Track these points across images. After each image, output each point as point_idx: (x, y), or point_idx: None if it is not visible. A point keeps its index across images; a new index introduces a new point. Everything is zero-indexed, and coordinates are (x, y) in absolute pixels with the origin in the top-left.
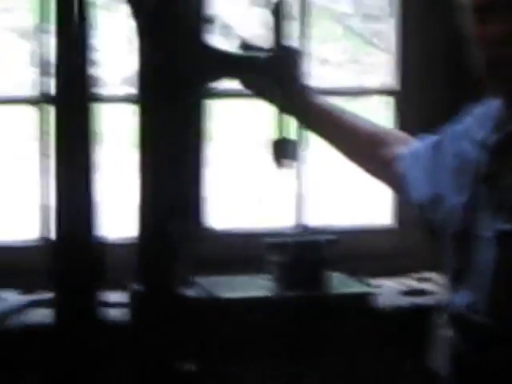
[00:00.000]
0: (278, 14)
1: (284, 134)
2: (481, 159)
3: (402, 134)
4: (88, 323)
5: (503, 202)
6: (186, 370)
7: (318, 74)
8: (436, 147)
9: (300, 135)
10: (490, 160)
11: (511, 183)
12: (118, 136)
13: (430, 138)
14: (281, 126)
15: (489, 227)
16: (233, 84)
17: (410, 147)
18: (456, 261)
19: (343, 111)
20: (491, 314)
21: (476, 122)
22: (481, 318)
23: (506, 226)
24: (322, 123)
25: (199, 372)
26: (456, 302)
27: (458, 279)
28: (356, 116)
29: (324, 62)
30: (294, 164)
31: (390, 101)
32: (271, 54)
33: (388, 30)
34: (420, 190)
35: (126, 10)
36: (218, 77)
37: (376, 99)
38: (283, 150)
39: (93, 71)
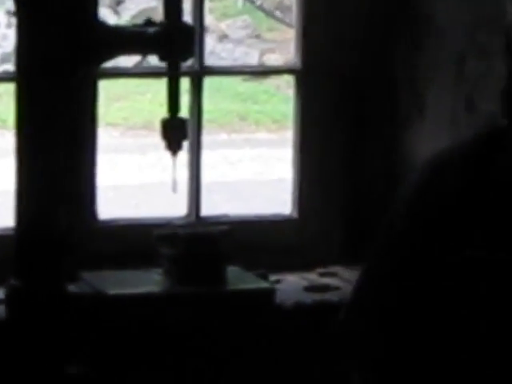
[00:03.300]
0: None
1: (174, 114)
2: None
3: None
4: None
5: None
6: (69, 372)
7: (215, 50)
8: None
9: (193, 117)
10: None
11: None
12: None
13: None
14: (171, 104)
15: None
16: (122, 62)
17: None
18: None
19: None
20: None
21: None
22: None
23: None
24: None
25: (84, 375)
26: None
27: None
28: None
29: (223, 37)
30: (185, 143)
31: (292, 80)
32: (161, 28)
33: (291, 2)
34: None
35: None
36: (107, 53)
37: (283, 78)
38: (173, 130)
39: None
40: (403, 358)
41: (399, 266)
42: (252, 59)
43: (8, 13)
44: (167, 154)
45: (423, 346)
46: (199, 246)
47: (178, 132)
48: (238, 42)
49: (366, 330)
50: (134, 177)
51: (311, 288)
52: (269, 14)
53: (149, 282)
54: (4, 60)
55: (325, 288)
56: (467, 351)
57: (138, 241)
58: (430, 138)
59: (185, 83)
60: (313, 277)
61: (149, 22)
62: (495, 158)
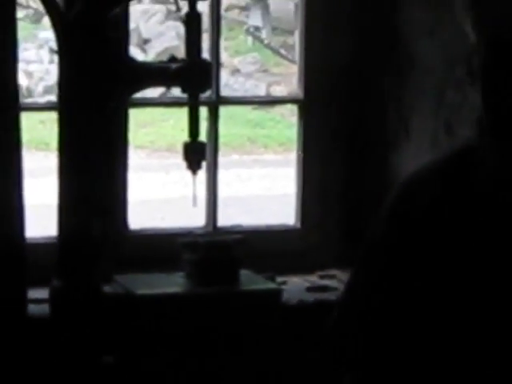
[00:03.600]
0: (190, 25)
1: (194, 137)
2: None
3: None
4: (13, 318)
5: None
6: (104, 362)
7: (229, 83)
8: None
9: (211, 141)
10: None
11: None
12: (42, 141)
13: None
14: (191, 129)
15: None
16: (149, 93)
17: None
18: None
19: None
20: None
21: None
22: None
23: None
24: None
25: (117, 364)
26: None
27: None
28: None
29: (235, 72)
30: (203, 163)
31: (295, 109)
32: (183, 64)
33: (294, 41)
34: None
35: (47, 22)
36: (136, 86)
37: (287, 107)
38: (193, 152)
39: (17, 80)
40: (387, 358)
41: (377, 270)
42: (260, 91)
43: (51, 51)
44: (188, 173)
45: (406, 347)
46: (216, 252)
47: (198, 154)
48: (249, 75)
49: (352, 331)
50: (159, 192)
51: (312, 288)
52: (275, 51)
53: (172, 283)
54: (46, 92)
55: (324, 288)
56: (450, 350)
57: (163, 248)
58: (415, 158)
59: (203, 111)
60: (314, 279)
61: (172, 59)
62: (465, 172)
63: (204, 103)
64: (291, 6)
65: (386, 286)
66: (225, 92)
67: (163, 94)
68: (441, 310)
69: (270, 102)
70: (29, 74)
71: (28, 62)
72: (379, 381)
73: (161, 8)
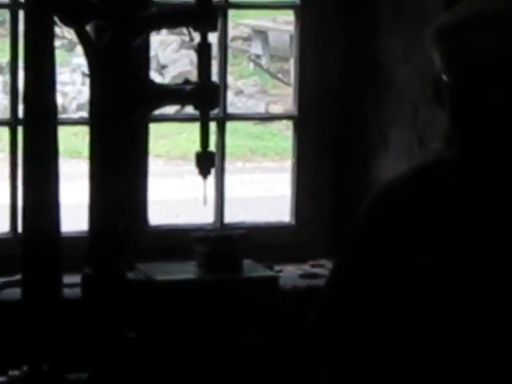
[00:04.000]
0: (201, 53)
1: (205, 148)
2: None
3: None
4: (49, 300)
5: None
6: (128, 337)
7: (234, 102)
8: None
9: (218, 151)
10: None
11: None
12: (75, 150)
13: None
14: (202, 141)
15: None
16: (166, 110)
17: None
18: None
19: None
20: None
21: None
22: None
23: None
24: None
25: (139, 339)
26: None
27: None
28: None
29: (239, 92)
30: (212, 170)
31: (290, 124)
32: (195, 86)
33: (290, 67)
34: None
35: (80, 50)
36: (155, 104)
37: (283, 123)
38: (204, 160)
39: (55, 99)
40: (362, 345)
41: (355, 265)
42: (260, 109)
43: (83, 74)
44: (199, 178)
45: (381, 335)
46: (223, 245)
47: (208, 161)
48: (250, 96)
49: (331, 321)
50: (174, 194)
51: (305, 276)
52: (273, 75)
53: (186, 271)
54: (79, 109)
55: (315, 276)
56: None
57: (178, 241)
58: (392, 166)
59: (212, 126)
60: (306, 267)
61: (186, 82)
62: (434, 180)
63: (213, 119)
64: (287, 37)
65: (362, 277)
66: (230, 110)
67: (178, 111)
68: (408, 304)
69: (269, 118)
70: (64, 94)
71: (63, 84)
72: (352, 368)
73: (176, 39)
